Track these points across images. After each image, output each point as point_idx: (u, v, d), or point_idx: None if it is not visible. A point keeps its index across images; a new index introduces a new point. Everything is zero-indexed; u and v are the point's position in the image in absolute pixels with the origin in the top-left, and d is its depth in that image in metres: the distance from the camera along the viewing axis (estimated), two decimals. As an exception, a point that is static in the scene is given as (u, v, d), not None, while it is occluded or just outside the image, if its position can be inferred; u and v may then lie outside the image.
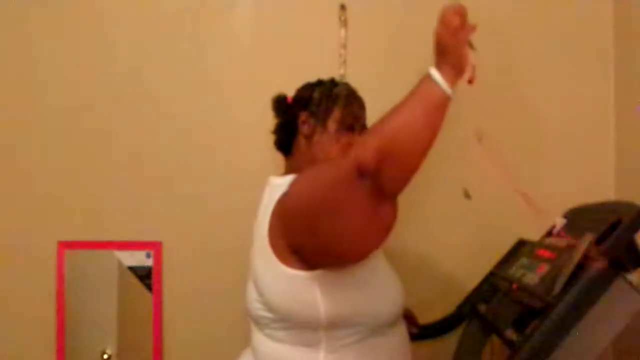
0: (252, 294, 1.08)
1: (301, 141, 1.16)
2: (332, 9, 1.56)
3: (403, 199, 1.60)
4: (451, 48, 0.93)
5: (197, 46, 1.55)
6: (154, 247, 1.53)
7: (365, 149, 0.85)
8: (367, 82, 1.56)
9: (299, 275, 0.98)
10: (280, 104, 1.21)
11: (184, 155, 1.54)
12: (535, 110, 1.60)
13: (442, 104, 0.89)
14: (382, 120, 0.89)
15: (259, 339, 1.08)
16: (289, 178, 1.06)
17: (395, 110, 0.89)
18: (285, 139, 1.19)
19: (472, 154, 1.58)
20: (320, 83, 1.21)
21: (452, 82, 0.89)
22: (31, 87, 1.54)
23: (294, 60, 1.53)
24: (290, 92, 1.21)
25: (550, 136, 1.60)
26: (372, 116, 1.56)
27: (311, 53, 1.55)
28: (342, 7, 1.56)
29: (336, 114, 1.15)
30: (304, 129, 1.15)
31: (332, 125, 1.14)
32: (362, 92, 1.54)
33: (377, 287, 1.05)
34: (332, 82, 1.21)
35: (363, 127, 1.21)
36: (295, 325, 1.01)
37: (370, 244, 0.97)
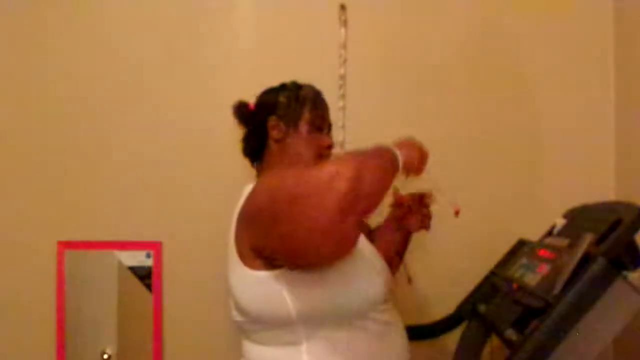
0: (230, 302, 1.10)
1: (272, 146, 1.18)
2: (332, 9, 1.56)
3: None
4: (415, 161, 1.10)
5: (197, 46, 1.55)
6: (154, 247, 1.53)
7: (346, 166, 0.87)
8: (367, 82, 1.57)
9: (263, 275, 0.98)
10: (242, 111, 1.22)
11: (184, 155, 1.54)
12: (535, 110, 1.60)
13: (396, 172, 1.02)
14: (360, 154, 0.95)
15: (247, 346, 1.09)
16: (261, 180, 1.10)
17: (368, 152, 0.98)
18: (256, 145, 1.21)
19: (472, 153, 1.59)
20: (283, 87, 1.21)
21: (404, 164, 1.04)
22: (31, 87, 1.54)
23: (294, 60, 1.53)
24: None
25: (550, 136, 1.60)
26: (372, 116, 1.57)
27: (311, 53, 1.55)
28: (342, 7, 1.56)
29: (306, 115, 1.17)
30: (274, 133, 1.16)
31: (303, 127, 1.16)
32: (362, 92, 1.56)
33: (349, 279, 1.01)
34: (296, 85, 1.22)
35: (329, 128, 1.24)
36: (271, 326, 1.01)
37: (330, 254, 0.94)
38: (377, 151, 1.01)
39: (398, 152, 1.03)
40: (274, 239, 0.93)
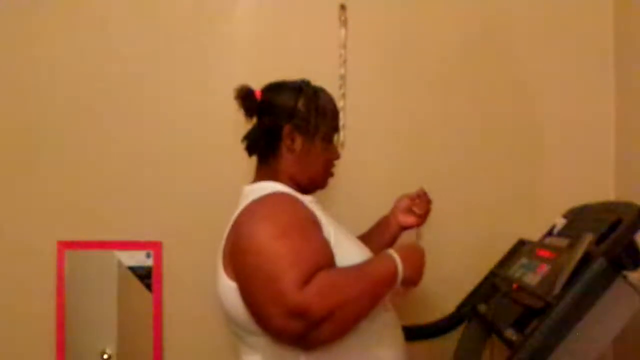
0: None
1: (285, 154, 1.12)
2: (332, 9, 1.56)
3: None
4: (416, 279, 1.06)
5: (197, 47, 1.55)
6: (154, 247, 1.53)
7: (319, 302, 0.88)
8: (367, 82, 1.57)
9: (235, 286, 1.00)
10: (248, 99, 1.14)
11: (184, 156, 1.54)
12: (535, 110, 1.60)
13: (390, 289, 1.00)
14: (346, 281, 0.94)
15: (242, 350, 1.09)
16: (261, 185, 1.09)
17: (360, 278, 0.96)
18: (265, 147, 1.15)
19: (472, 153, 1.59)
20: (299, 89, 1.13)
21: (404, 280, 1.01)
22: (31, 87, 1.54)
23: (294, 60, 1.53)
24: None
25: (551, 136, 1.60)
26: (372, 116, 1.57)
27: (311, 53, 1.55)
28: (342, 7, 1.56)
29: (323, 129, 1.13)
30: (289, 143, 1.11)
31: (318, 141, 1.13)
32: (362, 92, 1.56)
33: None
34: (312, 89, 1.15)
35: (338, 130, 1.23)
36: (259, 332, 1.00)
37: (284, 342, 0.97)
38: (375, 271, 0.99)
39: (400, 268, 0.99)
40: (243, 291, 0.98)
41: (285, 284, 0.88)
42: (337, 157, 1.21)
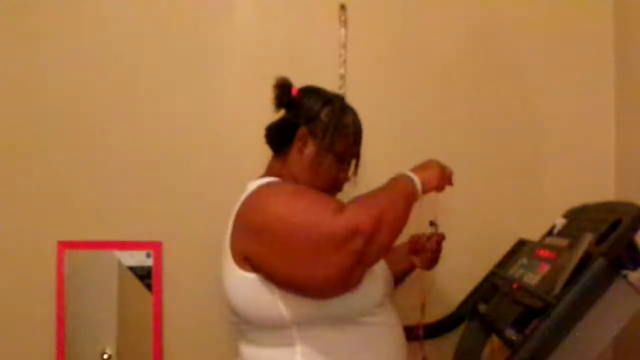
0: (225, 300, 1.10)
1: (293, 154, 1.14)
2: (332, 9, 1.56)
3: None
4: (433, 181, 1.10)
5: (197, 46, 1.55)
6: (154, 247, 1.53)
7: (365, 216, 0.92)
8: (367, 82, 1.57)
9: (255, 278, 0.99)
10: (283, 92, 1.15)
11: (184, 155, 1.54)
12: (535, 110, 1.60)
13: (414, 199, 1.06)
14: (374, 197, 1.00)
15: (242, 345, 1.09)
16: (260, 180, 1.09)
17: (383, 193, 1.02)
18: (278, 143, 1.17)
19: (472, 153, 1.59)
20: (330, 100, 1.15)
21: (423, 184, 1.08)
22: (31, 87, 1.54)
23: (294, 60, 1.53)
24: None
25: (550, 136, 1.60)
26: (372, 116, 1.57)
27: (311, 53, 1.55)
28: (342, 7, 1.56)
29: (338, 147, 1.13)
30: (299, 144, 1.13)
31: (329, 155, 1.13)
32: (362, 92, 1.56)
33: None
34: (342, 105, 1.16)
35: (355, 161, 1.23)
36: (264, 327, 1.02)
37: (330, 296, 0.97)
38: (394, 186, 1.04)
39: (415, 177, 1.06)
40: (276, 267, 0.97)
41: (326, 223, 0.91)
42: (344, 178, 1.20)
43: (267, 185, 1.06)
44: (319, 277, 0.92)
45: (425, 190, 1.07)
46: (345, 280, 0.93)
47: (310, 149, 1.12)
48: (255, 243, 0.99)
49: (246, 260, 1.00)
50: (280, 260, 0.95)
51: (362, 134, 1.21)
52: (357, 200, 0.98)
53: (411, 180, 1.05)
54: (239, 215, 1.04)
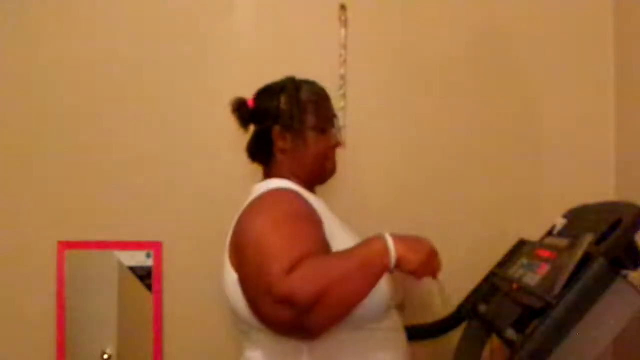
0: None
1: (278, 156, 1.15)
2: (332, 9, 1.56)
3: (403, 199, 1.61)
4: (413, 265, 0.96)
5: (197, 46, 1.55)
6: (154, 247, 1.53)
7: (307, 286, 0.87)
8: (367, 82, 1.57)
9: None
10: (241, 109, 1.17)
11: (184, 156, 1.54)
12: (535, 110, 1.60)
13: (381, 271, 0.94)
14: (328, 264, 0.92)
15: (245, 345, 1.09)
16: (265, 183, 1.11)
17: (342, 260, 0.93)
18: (261, 152, 1.18)
19: (472, 153, 1.59)
20: (282, 88, 1.15)
21: (401, 257, 0.94)
22: (31, 87, 1.54)
23: (294, 60, 1.53)
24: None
25: (550, 136, 1.60)
26: (372, 116, 1.57)
27: (311, 53, 1.55)
28: (342, 7, 1.56)
29: (310, 121, 1.14)
30: (280, 144, 1.14)
31: (309, 134, 1.14)
32: (362, 92, 1.56)
33: None
34: (295, 84, 1.16)
35: (334, 121, 1.21)
36: (270, 331, 1.00)
37: (272, 328, 0.97)
38: (360, 252, 0.94)
39: (393, 249, 0.93)
40: (241, 281, 1.00)
41: (272, 273, 0.88)
42: (335, 144, 1.20)
43: (267, 196, 1.06)
44: (264, 316, 0.94)
45: (400, 268, 0.95)
46: (294, 333, 0.94)
47: (289, 140, 1.13)
48: (236, 254, 1.03)
49: (234, 264, 1.03)
50: (243, 280, 1.00)
51: (326, 96, 1.20)
52: (312, 263, 0.90)
53: (386, 250, 0.92)
54: (237, 221, 1.06)
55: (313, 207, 1.06)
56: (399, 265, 0.94)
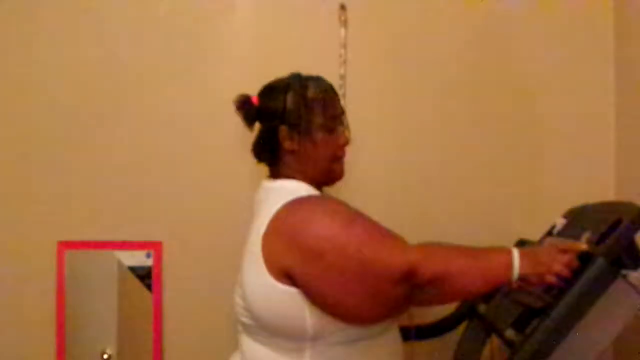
0: (237, 298, 1.08)
1: (286, 156, 1.11)
2: (332, 9, 1.56)
3: (403, 199, 1.61)
4: (535, 279, 0.96)
5: (197, 47, 1.55)
6: (154, 247, 1.53)
7: (428, 264, 0.90)
8: (367, 82, 1.57)
9: (289, 291, 0.98)
10: (246, 107, 1.14)
11: (184, 156, 1.54)
12: (535, 110, 1.60)
13: (501, 283, 0.97)
14: (456, 254, 0.95)
15: (246, 341, 1.08)
16: (283, 183, 1.09)
17: (466, 256, 0.95)
18: (268, 153, 1.14)
19: (472, 153, 1.59)
20: (287, 86, 1.12)
21: (524, 275, 0.95)
22: (31, 86, 1.54)
23: (294, 60, 1.52)
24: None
25: (551, 136, 1.60)
26: (372, 116, 1.57)
27: (311, 53, 1.55)
28: (342, 7, 1.56)
29: (318, 120, 1.10)
30: (287, 144, 1.10)
31: (317, 133, 1.10)
32: (362, 92, 1.56)
33: None
34: (301, 82, 1.12)
35: (343, 118, 1.18)
36: (280, 334, 1.01)
37: (372, 319, 0.98)
38: (485, 258, 0.96)
39: (517, 266, 0.93)
40: (324, 291, 0.96)
41: (387, 255, 0.90)
42: (344, 143, 1.16)
43: (307, 202, 1.03)
44: (365, 309, 0.94)
45: (522, 283, 0.96)
46: (388, 314, 0.97)
47: (297, 141, 1.09)
48: (305, 264, 0.96)
49: (286, 275, 0.98)
50: (330, 287, 0.95)
51: (334, 92, 1.16)
52: (434, 247, 0.96)
53: (510, 265, 0.93)
54: (281, 229, 1.00)
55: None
56: (521, 278, 0.95)
